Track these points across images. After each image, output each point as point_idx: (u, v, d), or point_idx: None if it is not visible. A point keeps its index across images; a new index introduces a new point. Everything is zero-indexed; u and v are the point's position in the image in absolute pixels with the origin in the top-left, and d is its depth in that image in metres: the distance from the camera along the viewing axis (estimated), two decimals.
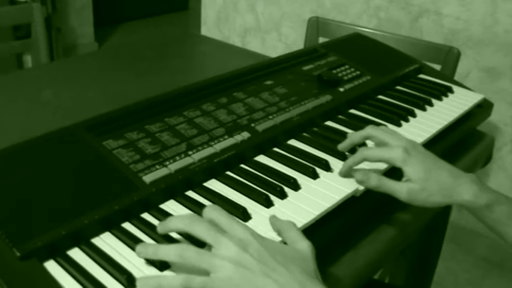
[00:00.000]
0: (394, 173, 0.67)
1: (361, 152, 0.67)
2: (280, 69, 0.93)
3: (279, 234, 0.55)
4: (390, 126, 0.84)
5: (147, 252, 0.51)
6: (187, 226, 0.50)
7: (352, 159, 0.68)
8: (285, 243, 0.53)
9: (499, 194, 0.66)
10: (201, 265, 0.48)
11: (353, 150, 0.72)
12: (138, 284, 0.49)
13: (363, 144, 0.74)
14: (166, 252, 0.49)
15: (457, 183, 0.64)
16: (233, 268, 0.47)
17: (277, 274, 0.47)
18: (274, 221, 0.56)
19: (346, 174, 0.68)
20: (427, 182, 0.63)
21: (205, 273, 0.48)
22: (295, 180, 0.66)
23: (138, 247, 0.52)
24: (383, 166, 0.69)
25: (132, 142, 0.67)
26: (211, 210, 0.52)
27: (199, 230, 0.49)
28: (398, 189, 0.64)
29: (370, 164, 0.68)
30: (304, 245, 0.52)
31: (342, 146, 0.73)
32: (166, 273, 0.51)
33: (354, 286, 0.63)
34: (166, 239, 0.54)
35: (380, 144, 0.69)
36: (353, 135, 0.72)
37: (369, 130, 0.70)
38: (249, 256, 0.47)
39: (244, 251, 0.48)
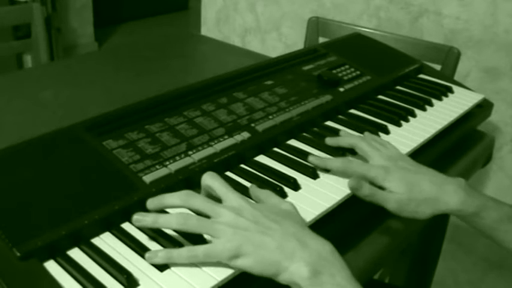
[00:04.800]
0: None
1: (349, 161, 0.68)
2: (280, 69, 0.93)
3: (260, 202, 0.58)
4: (390, 126, 0.84)
5: (145, 221, 0.53)
6: (183, 201, 0.54)
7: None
8: None
9: (487, 198, 0.65)
10: (203, 231, 0.52)
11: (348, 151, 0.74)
12: (147, 256, 0.51)
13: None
14: (168, 220, 0.52)
15: (442, 192, 0.64)
16: (232, 231, 0.51)
17: (272, 230, 0.51)
18: (253, 190, 0.60)
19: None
20: (411, 194, 0.63)
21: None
22: (295, 180, 0.66)
23: (136, 215, 0.53)
24: None
25: (132, 142, 0.67)
26: (209, 177, 0.57)
27: (196, 203, 0.53)
28: (388, 199, 0.63)
29: None
30: (288, 205, 0.57)
31: (330, 142, 0.74)
32: (166, 272, 0.51)
33: None
34: (166, 237, 0.54)
35: (364, 157, 0.70)
36: (341, 140, 0.73)
37: (356, 141, 0.71)
38: (245, 219, 0.52)
39: (240, 215, 0.52)
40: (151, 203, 0.55)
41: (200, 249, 0.51)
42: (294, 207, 0.57)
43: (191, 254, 0.51)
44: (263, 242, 0.50)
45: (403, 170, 0.66)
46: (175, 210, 0.56)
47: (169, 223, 0.52)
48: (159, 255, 0.51)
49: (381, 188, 0.65)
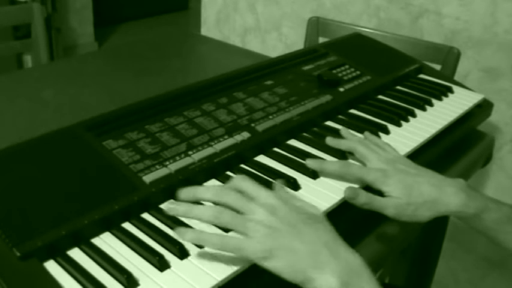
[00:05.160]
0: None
1: (347, 165, 0.67)
2: (280, 69, 0.93)
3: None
4: (390, 126, 0.84)
5: (178, 210, 0.53)
6: (216, 196, 0.53)
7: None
8: None
9: (488, 199, 0.65)
10: (236, 227, 0.51)
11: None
12: (177, 230, 0.51)
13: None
14: (201, 212, 0.52)
15: (442, 194, 0.63)
16: (265, 231, 0.50)
17: (304, 235, 0.50)
18: (279, 189, 0.58)
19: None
20: (410, 197, 0.62)
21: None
22: (295, 180, 0.66)
23: (169, 203, 0.53)
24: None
25: (132, 142, 0.67)
26: (240, 179, 0.55)
27: (229, 199, 0.52)
28: (385, 205, 0.62)
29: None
30: (317, 210, 0.55)
31: (330, 142, 0.73)
32: (166, 272, 0.51)
33: None
34: (166, 238, 0.54)
35: (362, 160, 0.69)
36: (340, 143, 0.72)
37: (354, 145, 0.70)
38: (278, 220, 0.51)
39: (273, 215, 0.51)
40: (183, 193, 0.54)
41: (232, 241, 0.50)
42: (322, 212, 0.55)
43: (221, 242, 0.50)
44: (295, 247, 0.49)
45: (402, 172, 0.65)
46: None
47: (202, 215, 0.51)
48: (189, 233, 0.50)
49: (379, 191, 0.64)
